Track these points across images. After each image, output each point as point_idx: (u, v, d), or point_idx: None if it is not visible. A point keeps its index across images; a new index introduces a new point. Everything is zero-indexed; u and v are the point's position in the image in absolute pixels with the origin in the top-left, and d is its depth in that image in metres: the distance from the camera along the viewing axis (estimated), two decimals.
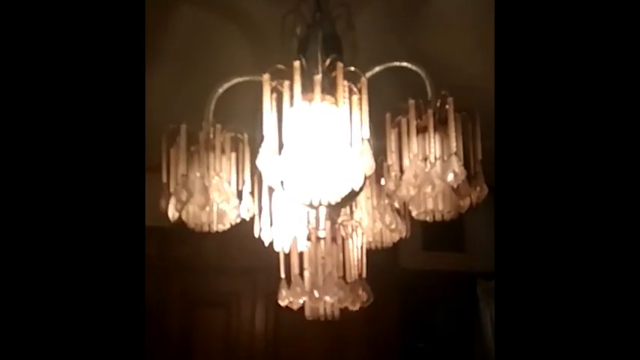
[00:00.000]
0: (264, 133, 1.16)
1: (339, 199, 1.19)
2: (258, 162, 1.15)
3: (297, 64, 1.15)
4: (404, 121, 1.30)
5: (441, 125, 1.30)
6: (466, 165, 1.29)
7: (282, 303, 1.35)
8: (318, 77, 1.14)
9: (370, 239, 1.55)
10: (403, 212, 1.51)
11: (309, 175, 1.14)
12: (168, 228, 1.52)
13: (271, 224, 1.45)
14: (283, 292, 1.35)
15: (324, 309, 1.36)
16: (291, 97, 1.15)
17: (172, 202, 1.36)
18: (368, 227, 1.53)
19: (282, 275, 1.38)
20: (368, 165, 1.17)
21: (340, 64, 1.15)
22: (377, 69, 1.40)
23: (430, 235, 2.88)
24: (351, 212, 1.52)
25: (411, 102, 1.29)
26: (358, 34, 2.03)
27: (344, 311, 2.87)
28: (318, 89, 1.14)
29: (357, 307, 1.39)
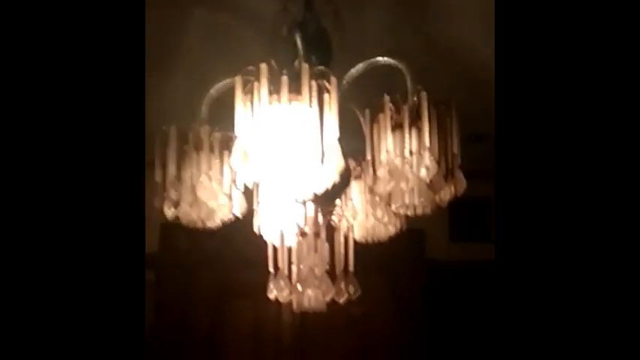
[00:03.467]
0: (237, 132, 1.21)
1: (312, 197, 1.23)
2: (232, 161, 1.20)
3: (263, 66, 1.19)
4: (382, 116, 1.32)
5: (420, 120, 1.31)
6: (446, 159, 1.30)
7: (270, 296, 1.40)
8: (285, 78, 1.18)
9: (364, 233, 1.57)
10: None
11: (279, 174, 1.18)
12: None
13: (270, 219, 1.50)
14: (270, 285, 1.40)
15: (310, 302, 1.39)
16: (260, 98, 1.19)
17: (167, 201, 1.43)
18: (361, 222, 1.55)
19: (271, 269, 1.43)
20: (337, 164, 1.19)
21: (306, 66, 1.19)
22: (360, 66, 1.43)
23: (458, 225, 2.86)
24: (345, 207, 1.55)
25: (386, 98, 1.31)
26: (368, 27, 2.05)
27: (370, 302, 2.90)
28: (285, 90, 1.18)
29: (342, 301, 1.42)
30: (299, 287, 1.31)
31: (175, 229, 2.76)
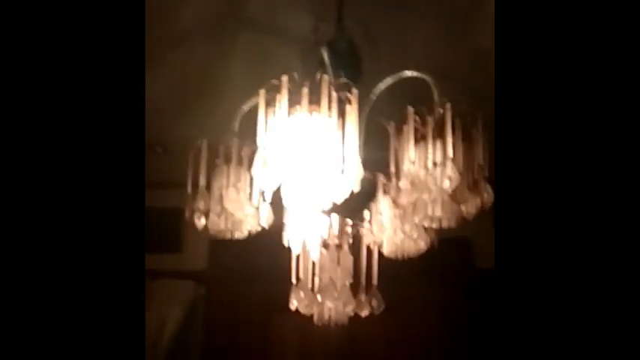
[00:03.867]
0: (258, 144, 1.23)
1: (331, 206, 1.23)
2: (253, 171, 1.23)
3: (284, 78, 1.21)
4: (406, 128, 1.32)
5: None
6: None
7: (292, 307, 1.40)
8: (305, 90, 1.20)
9: (394, 249, 1.56)
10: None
11: (298, 183, 1.19)
12: (247, 240, 1.57)
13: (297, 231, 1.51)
14: (292, 296, 1.40)
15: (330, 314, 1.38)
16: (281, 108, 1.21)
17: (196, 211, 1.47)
18: (390, 237, 1.54)
19: (294, 281, 1.43)
20: (357, 173, 1.20)
21: (325, 77, 1.20)
22: (388, 79, 1.43)
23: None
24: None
25: (410, 109, 1.30)
26: (409, 43, 2.06)
27: (417, 312, 2.84)
28: (305, 101, 1.20)
29: (365, 314, 1.41)
30: (319, 298, 1.31)
31: (224, 245, 2.84)
